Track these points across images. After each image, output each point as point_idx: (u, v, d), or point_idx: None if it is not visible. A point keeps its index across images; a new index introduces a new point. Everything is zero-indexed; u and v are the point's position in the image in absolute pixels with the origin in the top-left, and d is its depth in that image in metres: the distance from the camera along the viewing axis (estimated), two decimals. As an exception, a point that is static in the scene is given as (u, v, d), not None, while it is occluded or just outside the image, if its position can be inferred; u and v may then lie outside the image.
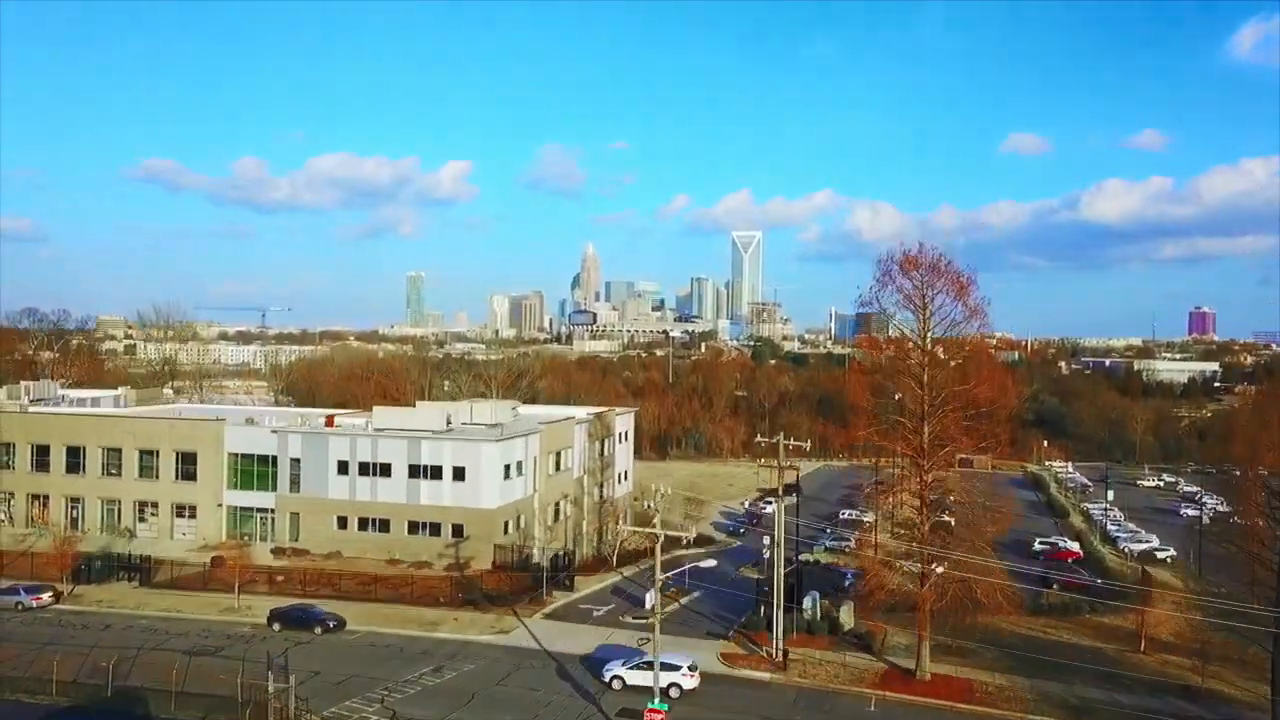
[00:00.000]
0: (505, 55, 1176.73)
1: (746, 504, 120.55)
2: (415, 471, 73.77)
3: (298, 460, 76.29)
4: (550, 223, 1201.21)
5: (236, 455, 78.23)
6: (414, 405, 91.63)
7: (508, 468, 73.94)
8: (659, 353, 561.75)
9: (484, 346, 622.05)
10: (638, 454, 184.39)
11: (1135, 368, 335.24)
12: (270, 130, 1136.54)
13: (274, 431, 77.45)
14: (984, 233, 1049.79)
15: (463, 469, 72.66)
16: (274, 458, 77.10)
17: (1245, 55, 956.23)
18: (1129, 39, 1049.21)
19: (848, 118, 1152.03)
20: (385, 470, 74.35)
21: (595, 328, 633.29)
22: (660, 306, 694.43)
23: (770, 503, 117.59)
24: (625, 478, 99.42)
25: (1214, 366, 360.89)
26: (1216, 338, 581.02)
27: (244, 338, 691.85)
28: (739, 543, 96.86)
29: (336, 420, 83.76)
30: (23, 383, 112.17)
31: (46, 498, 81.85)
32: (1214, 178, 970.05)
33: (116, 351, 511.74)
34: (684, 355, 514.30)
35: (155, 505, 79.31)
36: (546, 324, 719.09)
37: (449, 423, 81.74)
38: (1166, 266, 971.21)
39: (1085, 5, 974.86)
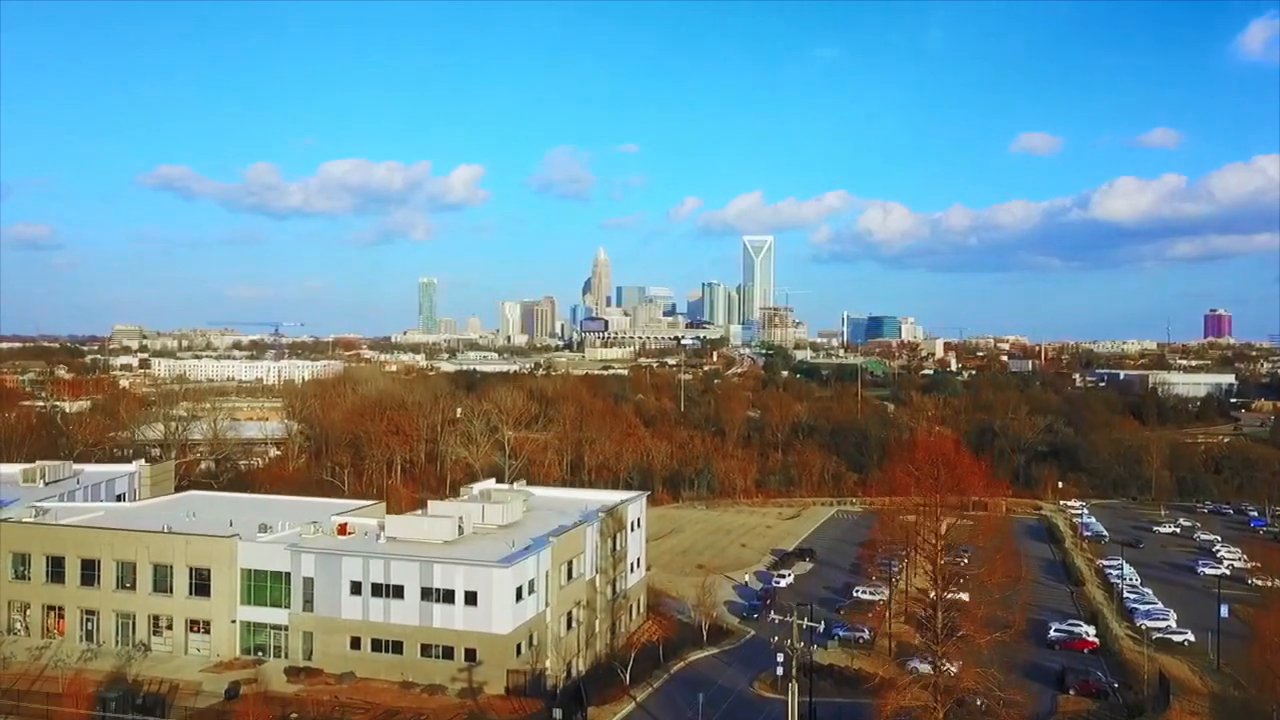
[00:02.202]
0: (515, 59, 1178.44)
1: (749, 579, 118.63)
2: (428, 594, 73.72)
3: (311, 580, 76.40)
4: (561, 226, 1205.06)
5: (250, 571, 78.40)
6: (427, 492, 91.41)
7: (519, 590, 73.81)
8: (671, 362, 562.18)
9: (496, 355, 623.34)
10: (651, 496, 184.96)
11: (1150, 383, 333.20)
12: (283, 136, 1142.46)
13: (287, 549, 77.49)
14: (997, 232, 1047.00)
15: (474, 593, 72.57)
16: (287, 574, 77.25)
17: (1253, 53, 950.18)
18: (1137, 37, 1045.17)
19: (858, 118, 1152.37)
20: (398, 592, 74.34)
21: (607, 335, 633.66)
22: (672, 312, 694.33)
23: (784, 575, 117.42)
24: (639, 565, 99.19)
25: (1230, 379, 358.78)
26: (1233, 340, 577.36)
27: (258, 347, 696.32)
28: (752, 632, 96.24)
29: (349, 526, 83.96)
30: (38, 463, 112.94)
31: (62, 609, 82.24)
32: (1227, 175, 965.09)
33: (131, 366, 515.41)
34: (696, 363, 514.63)
35: (169, 620, 79.58)
36: (558, 329, 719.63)
37: (460, 530, 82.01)
38: (1181, 265, 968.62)
39: (1093, 4, 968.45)
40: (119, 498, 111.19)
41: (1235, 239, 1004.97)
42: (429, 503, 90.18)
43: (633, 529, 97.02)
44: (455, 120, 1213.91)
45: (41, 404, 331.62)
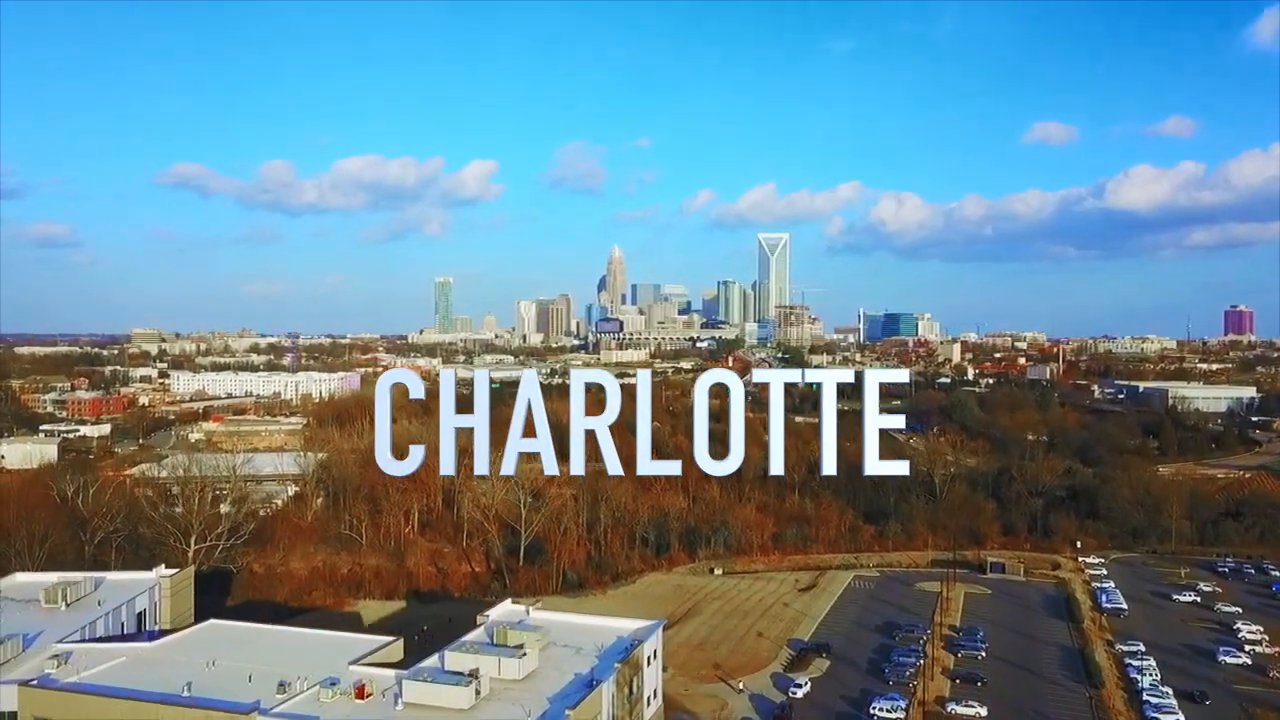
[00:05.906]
0: (527, 54, 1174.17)
1: (754, 683, 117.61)
2: (446, 781, 74.20)
3: (329, 760, 77.04)
4: (574, 221, 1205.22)
5: (268, 746, 79.09)
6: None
7: (538, 773, 74.25)
8: (686, 366, 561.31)
9: (512, 358, 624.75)
10: (667, 555, 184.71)
11: (1169, 400, 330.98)
12: (297, 133, 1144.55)
13: (305, 727, 78.11)
14: (1012, 222, 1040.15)
15: (493, 781, 73.03)
16: (306, 751, 77.89)
17: (1268, 40, 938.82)
18: (1150, 25, 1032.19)
19: (871, 109, 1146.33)
20: (416, 779, 74.88)
21: (622, 336, 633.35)
22: (687, 310, 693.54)
23: (800, 684, 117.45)
24: (655, 696, 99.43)
25: (1251, 392, 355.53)
26: (1254, 337, 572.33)
27: (275, 350, 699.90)
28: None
29: (367, 688, 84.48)
30: (59, 581, 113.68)
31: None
32: (1245, 163, 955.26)
33: (151, 378, 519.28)
34: (712, 367, 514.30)
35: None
36: (574, 327, 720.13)
37: (478, 692, 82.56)
38: (1199, 253, 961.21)
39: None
40: (139, 616, 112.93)
41: (1254, 227, 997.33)
42: (446, 653, 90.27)
43: (648, 663, 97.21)
44: (468, 115, 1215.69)
45: (65, 431, 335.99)
